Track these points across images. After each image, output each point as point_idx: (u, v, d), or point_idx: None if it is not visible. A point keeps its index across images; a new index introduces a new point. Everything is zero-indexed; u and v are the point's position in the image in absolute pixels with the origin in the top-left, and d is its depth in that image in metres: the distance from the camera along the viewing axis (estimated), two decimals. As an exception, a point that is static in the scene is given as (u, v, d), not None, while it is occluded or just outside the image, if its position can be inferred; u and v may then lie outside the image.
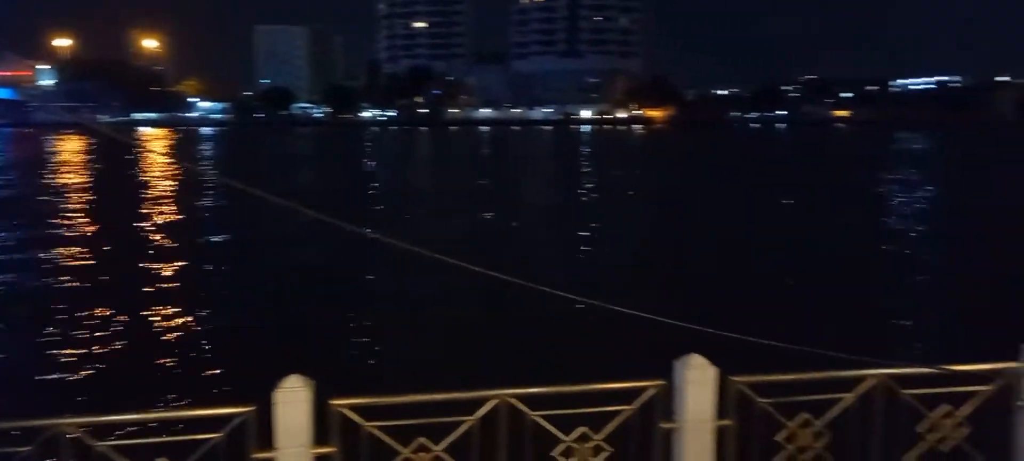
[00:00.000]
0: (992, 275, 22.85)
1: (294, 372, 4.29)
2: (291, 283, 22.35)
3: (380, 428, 4.34)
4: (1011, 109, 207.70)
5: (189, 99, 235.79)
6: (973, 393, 5.30)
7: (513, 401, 4.54)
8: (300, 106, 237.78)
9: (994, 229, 32.15)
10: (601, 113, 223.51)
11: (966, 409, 5.25)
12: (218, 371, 13.96)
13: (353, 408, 4.28)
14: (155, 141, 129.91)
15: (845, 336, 14.60)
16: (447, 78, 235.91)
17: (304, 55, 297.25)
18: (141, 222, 34.84)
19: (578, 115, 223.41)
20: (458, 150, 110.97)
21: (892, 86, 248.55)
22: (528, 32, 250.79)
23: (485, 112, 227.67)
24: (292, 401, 4.16)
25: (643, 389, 4.67)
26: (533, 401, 4.59)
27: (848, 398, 5.02)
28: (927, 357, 5.40)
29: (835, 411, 5.01)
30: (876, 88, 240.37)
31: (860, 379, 5.05)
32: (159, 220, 35.56)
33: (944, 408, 5.24)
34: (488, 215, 37.37)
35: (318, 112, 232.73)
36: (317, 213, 4.18)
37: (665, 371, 4.82)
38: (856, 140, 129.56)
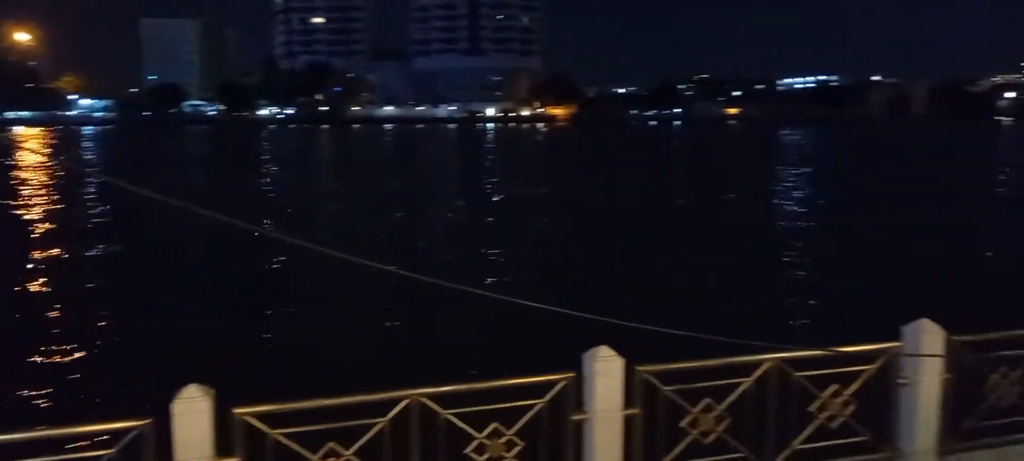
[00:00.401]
0: (874, 261, 24.56)
1: (192, 381, 4.09)
2: (186, 288, 21.35)
3: (287, 435, 4.20)
4: (882, 106, 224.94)
5: (68, 96, 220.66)
6: (859, 372, 5.68)
7: (425, 400, 4.51)
8: (192, 104, 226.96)
9: (872, 218, 34.51)
10: (505, 111, 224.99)
11: (853, 387, 5.62)
12: (108, 384, 13.16)
13: (258, 416, 4.15)
14: (30, 141, 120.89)
15: (743, 323, 15.31)
16: (347, 75, 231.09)
17: (195, 50, 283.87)
18: (18, 226, 32.37)
19: (483, 113, 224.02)
20: (363, 148, 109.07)
21: (778, 85, 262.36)
22: (429, 30, 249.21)
23: (388, 110, 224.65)
24: (191, 411, 4.00)
25: (553, 382, 4.74)
26: (445, 400, 4.58)
27: (746, 382, 5.28)
28: (817, 341, 5.73)
29: (734, 395, 5.25)
30: (763, 87, 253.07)
31: (757, 364, 5.32)
32: (38, 225, 33.13)
33: (833, 388, 5.59)
34: (398, 214, 36.95)
35: (211, 110, 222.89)
36: (216, 214, 4.00)
37: (575, 364, 4.92)
38: (745, 136, 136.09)
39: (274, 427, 4.19)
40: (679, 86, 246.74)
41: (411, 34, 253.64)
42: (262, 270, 22.36)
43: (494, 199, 45.84)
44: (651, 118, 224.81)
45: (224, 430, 4.11)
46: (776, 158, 76.67)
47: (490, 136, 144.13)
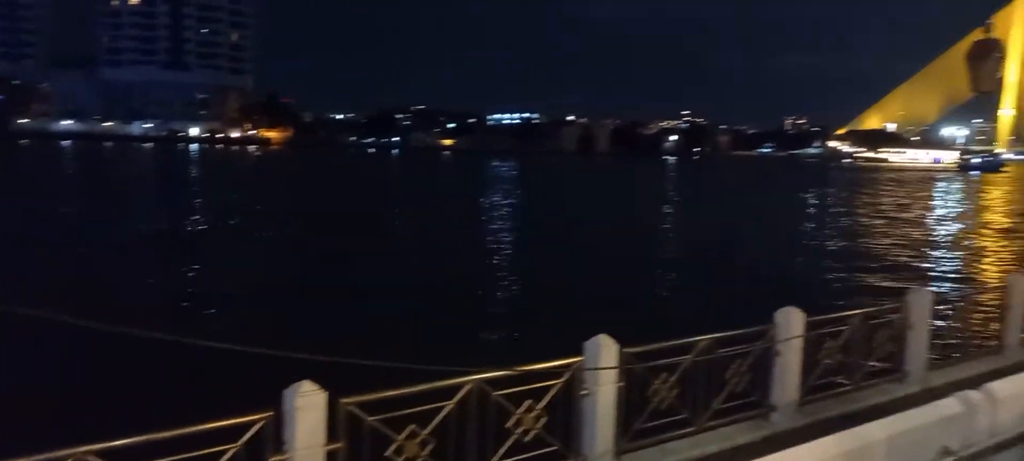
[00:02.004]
0: (567, 278, 27.06)
1: None
2: None
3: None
4: (574, 142, 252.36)
5: None
6: (548, 387, 6.21)
7: (91, 459, 3.99)
8: None
9: (563, 243, 38.12)
10: (212, 131, 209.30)
11: (544, 402, 6.12)
12: None
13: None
14: None
15: (444, 348, 15.80)
16: (14, 82, 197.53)
17: None
18: None
19: (185, 132, 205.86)
20: (28, 167, 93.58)
21: (488, 119, 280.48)
22: (121, 37, 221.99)
23: (66, 124, 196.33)
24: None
25: (250, 424, 4.47)
26: (115, 456, 4.08)
27: (449, 405, 5.48)
28: (513, 360, 6.16)
29: (438, 419, 5.42)
30: (474, 120, 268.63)
31: (458, 387, 5.55)
32: None
33: (527, 403, 6.03)
34: (72, 248, 32.17)
35: None
36: None
37: (276, 402, 4.70)
38: (458, 165, 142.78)
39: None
40: (397, 116, 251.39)
41: (100, 40, 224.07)
42: None
43: (190, 226, 42.26)
44: (370, 145, 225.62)
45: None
46: (482, 186, 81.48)
47: (193, 157, 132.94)
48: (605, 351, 6.44)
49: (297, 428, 4.66)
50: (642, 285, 26.59)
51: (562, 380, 6.27)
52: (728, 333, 7.51)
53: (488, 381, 5.69)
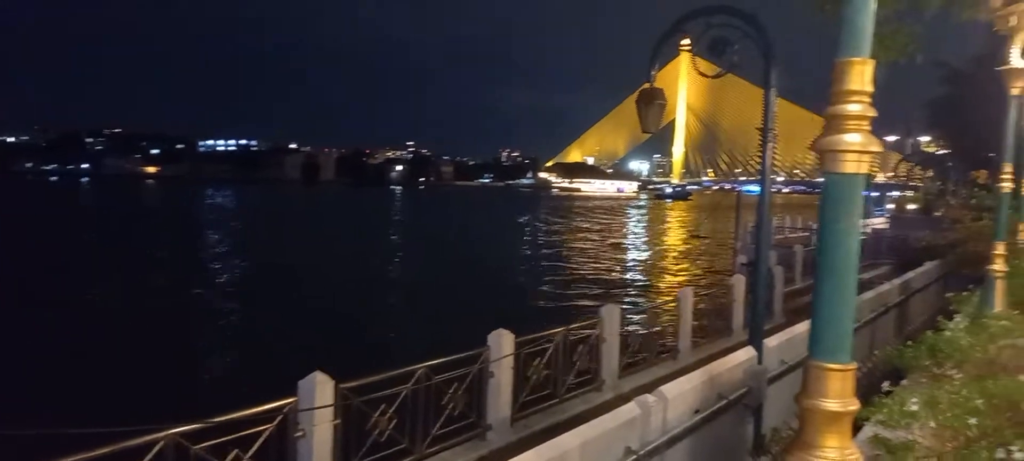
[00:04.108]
0: (279, 318, 25.81)
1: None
2: None
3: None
4: (297, 171, 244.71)
5: None
6: (259, 433, 5.82)
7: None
8: None
9: (285, 276, 36.49)
10: None
11: (253, 449, 5.72)
12: None
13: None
14: None
15: (134, 402, 14.09)
16: None
17: None
18: None
19: None
20: None
21: (200, 145, 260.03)
22: None
23: None
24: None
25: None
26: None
27: (141, 465, 4.88)
28: (220, 409, 5.67)
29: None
30: (183, 146, 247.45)
31: (151, 444, 4.96)
32: None
33: (234, 453, 5.59)
34: None
35: None
36: None
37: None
38: (166, 195, 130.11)
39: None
40: (87, 139, 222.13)
41: None
42: None
43: None
44: (51, 173, 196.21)
45: None
46: (195, 219, 75.19)
47: None
48: (321, 389, 6.24)
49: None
50: (365, 316, 26.37)
51: (274, 424, 5.93)
52: (444, 359, 7.70)
53: (186, 435, 5.17)
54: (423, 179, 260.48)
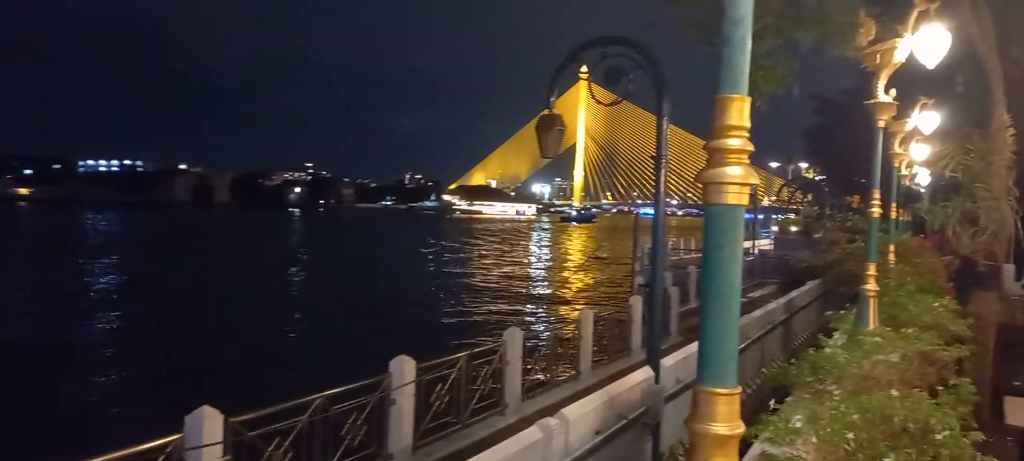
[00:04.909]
0: (177, 343, 24.45)
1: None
2: None
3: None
4: (188, 193, 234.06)
5: None
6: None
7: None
8: None
9: (176, 303, 34.63)
10: None
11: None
12: None
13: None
14: None
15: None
16: None
17: None
18: None
19: None
20: None
21: (80, 166, 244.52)
22: None
23: None
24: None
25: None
26: None
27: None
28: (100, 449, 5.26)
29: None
30: (60, 167, 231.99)
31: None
32: None
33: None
34: None
35: None
36: None
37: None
38: (40, 218, 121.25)
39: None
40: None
41: None
42: None
43: None
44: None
45: None
46: (75, 242, 70.37)
47: None
48: (209, 424, 5.91)
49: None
50: (264, 344, 25.37)
51: (159, 462, 5.57)
52: (343, 388, 7.49)
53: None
54: (323, 201, 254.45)
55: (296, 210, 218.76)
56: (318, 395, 7.02)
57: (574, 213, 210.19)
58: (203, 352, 23.14)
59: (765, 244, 39.49)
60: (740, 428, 2.51)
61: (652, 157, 8.05)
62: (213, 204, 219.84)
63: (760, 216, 45.74)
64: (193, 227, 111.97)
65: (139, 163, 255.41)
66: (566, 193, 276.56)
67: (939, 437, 3.49)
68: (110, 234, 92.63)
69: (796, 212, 47.99)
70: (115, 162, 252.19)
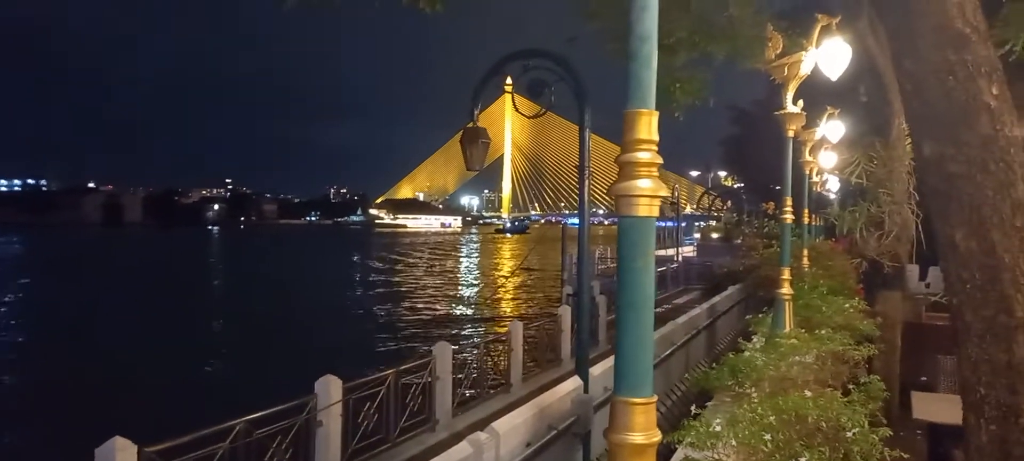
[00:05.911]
0: (85, 367, 23.24)
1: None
2: None
3: None
4: (98, 212, 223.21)
5: None
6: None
7: None
8: None
9: (82, 329, 32.91)
10: None
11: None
12: None
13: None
14: None
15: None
16: None
17: None
18: None
19: None
20: None
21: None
22: None
23: None
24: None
25: None
26: None
27: None
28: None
29: None
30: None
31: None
32: None
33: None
34: None
35: None
36: None
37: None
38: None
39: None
40: None
41: None
42: None
43: None
44: None
45: None
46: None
47: None
48: (121, 457, 5.62)
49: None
50: (181, 369, 24.36)
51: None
52: (266, 412, 7.25)
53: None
54: (244, 218, 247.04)
55: (215, 228, 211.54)
56: (239, 420, 6.76)
57: (508, 224, 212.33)
58: (108, 379, 22.08)
59: (688, 251, 40.56)
60: (657, 436, 2.55)
61: (577, 167, 8.16)
62: (124, 224, 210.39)
63: (683, 223, 47.02)
64: (101, 248, 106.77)
65: (43, 182, 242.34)
66: (495, 205, 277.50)
67: (850, 434, 3.64)
68: (7, 258, 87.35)
69: (717, 219, 49.54)
70: (17, 181, 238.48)
